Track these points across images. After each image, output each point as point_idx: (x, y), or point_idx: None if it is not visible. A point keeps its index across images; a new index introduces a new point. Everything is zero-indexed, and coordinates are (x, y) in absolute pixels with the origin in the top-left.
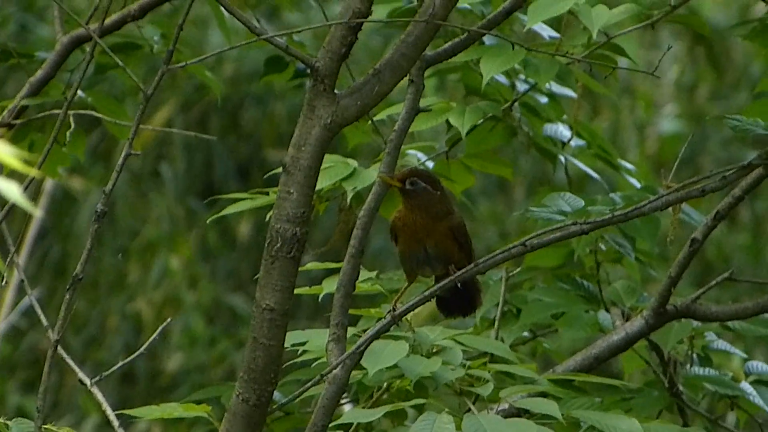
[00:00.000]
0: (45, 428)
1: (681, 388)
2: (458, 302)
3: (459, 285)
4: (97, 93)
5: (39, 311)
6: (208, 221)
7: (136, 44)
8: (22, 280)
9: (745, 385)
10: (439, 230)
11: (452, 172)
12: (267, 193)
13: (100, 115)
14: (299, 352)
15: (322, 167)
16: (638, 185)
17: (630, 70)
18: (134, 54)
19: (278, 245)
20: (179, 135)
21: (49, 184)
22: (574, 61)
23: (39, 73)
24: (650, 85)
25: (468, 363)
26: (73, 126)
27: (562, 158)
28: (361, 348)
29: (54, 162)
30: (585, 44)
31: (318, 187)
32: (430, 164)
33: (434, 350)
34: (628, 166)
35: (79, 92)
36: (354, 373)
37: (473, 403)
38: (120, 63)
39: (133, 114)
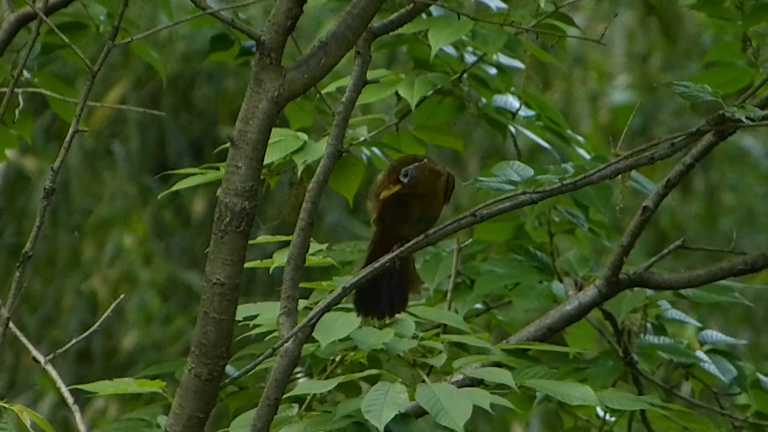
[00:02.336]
0: None
1: (635, 357)
2: (380, 298)
3: (397, 263)
4: (44, 74)
5: None
6: (159, 197)
7: (82, 24)
8: None
9: (701, 354)
10: (437, 194)
11: (403, 145)
12: (218, 168)
13: (47, 92)
14: (251, 325)
15: (272, 141)
16: (588, 156)
17: (578, 38)
18: (81, 34)
19: (227, 219)
20: (133, 114)
21: (0, 165)
22: (523, 31)
23: None
24: (602, 55)
25: (421, 334)
26: (21, 104)
27: (512, 129)
28: (313, 321)
29: (1, 144)
30: (533, 14)
31: (268, 161)
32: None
33: (387, 322)
34: (578, 138)
35: (26, 74)
36: (307, 346)
37: (427, 375)
38: (65, 40)
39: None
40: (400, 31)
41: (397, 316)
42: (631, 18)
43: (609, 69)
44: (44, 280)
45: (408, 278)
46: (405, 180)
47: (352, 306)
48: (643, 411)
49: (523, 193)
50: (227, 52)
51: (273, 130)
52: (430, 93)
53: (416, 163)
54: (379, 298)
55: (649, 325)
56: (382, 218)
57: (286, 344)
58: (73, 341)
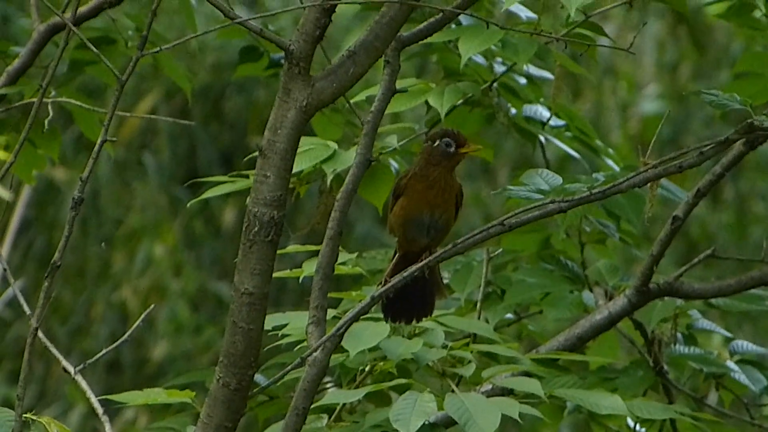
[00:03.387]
0: (26, 417)
1: (666, 367)
2: (409, 303)
3: (426, 272)
4: (69, 90)
5: (21, 300)
6: (189, 204)
7: (111, 38)
8: (5, 270)
9: (730, 364)
10: (452, 197)
11: None
12: (248, 177)
13: (76, 102)
14: (280, 335)
15: (302, 150)
16: (617, 168)
17: (607, 47)
18: (109, 49)
19: (256, 229)
20: (163, 125)
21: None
22: (553, 40)
23: (16, 63)
24: (632, 65)
25: (450, 344)
26: (51, 114)
27: (542, 139)
28: (341, 330)
29: (29, 165)
30: (563, 24)
31: (298, 170)
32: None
33: (416, 332)
34: (608, 149)
35: (53, 92)
36: (336, 355)
37: (457, 385)
38: (94, 50)
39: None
40: (429, 40)
41: (425, 320)
42: (661, 28)
43: (639, 79)
44: (74, 290)
45: (434, 283)
46: (447, 147)
47: (380, 315)
48: (673, 421)
49: (552, 202)
50: (256, 63)
51: (303, 138)
52: (459, 102)
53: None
54: (407, 303)
55: (679, 335)
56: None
57: (314, 353)
58: (103, 351)
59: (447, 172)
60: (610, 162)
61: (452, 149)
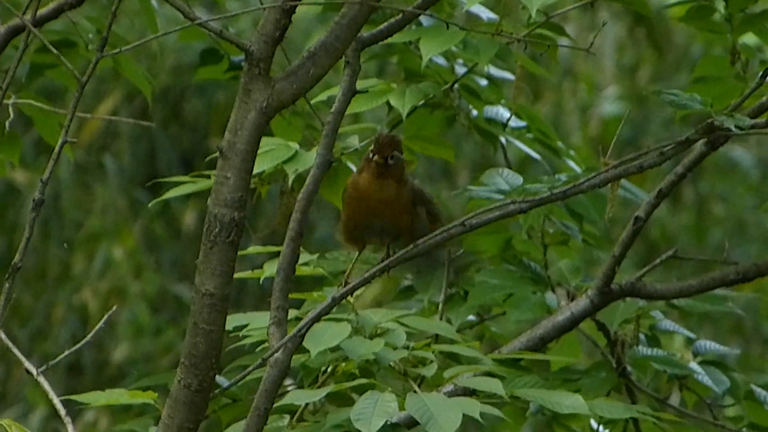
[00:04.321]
0: None
1: (629, 368)
2: None
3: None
4: (29, 93)
5: None
6: (150, 205)
7: (71, 41)
8: None
9: (694, 365)
10: (400, 202)
11: None
12: (209, 177)
13: (37, 104)
14: (240, 335)
15: (263, 150)
16: (578, 169)
17: (567, 47)
18: (70, 52)
19: (216, 230)
20: (124, 127)
21: None
22: (514, 41)
23: None
24: (592, 67)
25: (411, 344)
26: (12, 116)
27: (503, 140)
28: (303, 331)
29: None
30: (525, 24)
31: (260, 170)
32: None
33: (378, 332)
34: (568, 150)
35: (12, 96)
36: (297, 356)
37: (419, 386)
38: (53, 50)
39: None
40: (389, 40)
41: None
42: (620, 29)
43: (599, 81)
44: (35, 293)
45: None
46: (390, 162)
47: (341, 316)
48: (636, 423)
49: (513, 202)
50: (216, 66)
51: (264, 139)
52: (421, 102)
53: (401, 156)
54: None
55: (642, 336)
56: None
57: (275, 354)
58: (66, 353)
59: (374, 179)
60: (571, 163)
61: (372, 156)
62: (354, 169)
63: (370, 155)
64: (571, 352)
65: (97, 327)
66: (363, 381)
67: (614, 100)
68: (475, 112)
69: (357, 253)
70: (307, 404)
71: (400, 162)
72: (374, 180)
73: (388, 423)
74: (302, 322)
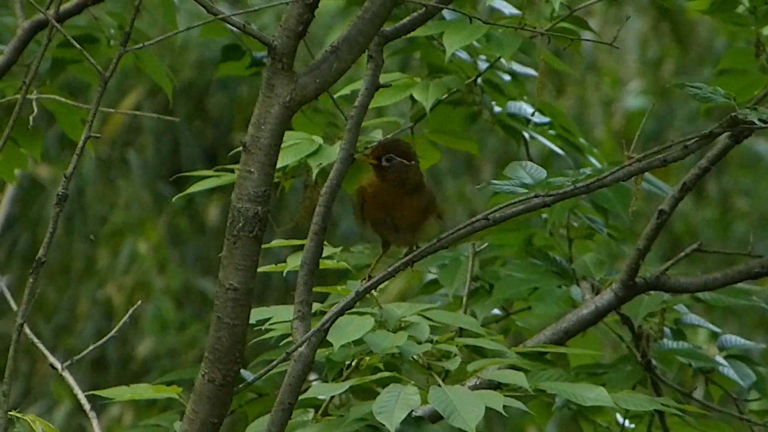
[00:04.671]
0: (11, 415)
1: (654, 362)
2: None
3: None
4: (52, 88)
5: (8, 296)
6: (174, 199)
7: (93, 37)
8: None
9: (719, 359)
10: (411, 205)
11: (417, 149)
12: (232, 171)
13: (60, 99)
14: (263, 329)
15: (287, 144)
16: (599, 166)
17: (590, 41)
18: (92, 48)
19: (240, 224)
20: (147, 122)
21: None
22: (537, 34)
23: (0, 59)
24: (615, 61)
25: (435, 338)
26: (36, 110)
27: (526, 136)
28: (327, 325)
29: (11, 164)
30: (548, 18)
31: (283, 164)
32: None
33: (402, 326)
34: (591, 147)
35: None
36: (321, 350)
37: (443, 380)
38: (76, 45)
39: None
40: (412, 34)
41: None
42: (644, 23)
43: (622, 75)
44: (59, 288)
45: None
46: (385, 164)
47: (365, 309)
48: (662, 417)
49: (536, 196)
50: (238, 62)
51: (288, 133)
52: (445, 96)
53: (404, 159)
54: None
55: (667, 330)
56: (361, 202)
57: (299, 348)
58: (90, 348)
59: (384, 181)
60: (593, 161)
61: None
62: None
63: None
64: (593, 348)
65: (121, 322)
66: (386, 374)
67: (638, 94)
68: (497, 109)
69: (382, 248)
70: (332, 398)
71: (398, 165)
72: (374, 179)
73: (412, 417)
74: (326, 317)
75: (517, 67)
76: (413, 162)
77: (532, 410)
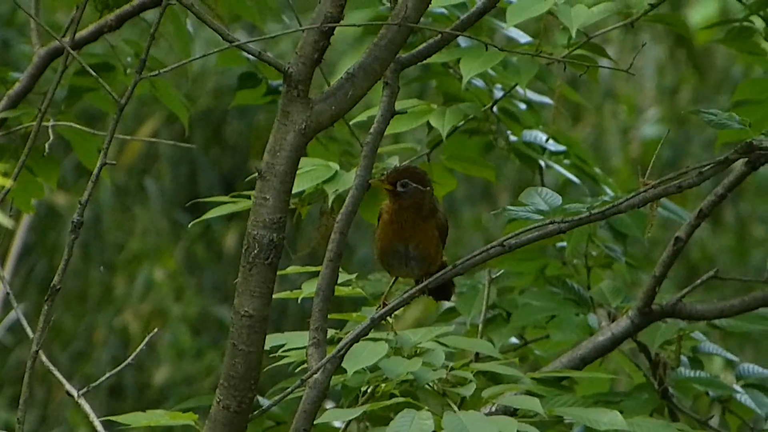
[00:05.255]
0: None
1: (671, 390)
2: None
3: (427, 292)
4: (68, 117)
5: (24, 323)
6: (191, 225)
7: (110, 65)
8: (8, 294)
9: (736, 387)
10: (425, 230)
11: (435, 175)
12: (249, 197)
13: (76, 126)
14: (278, 354)
15: (303, 170)
16: (612, 195)
17: (607, 68)
18: (108, 76)
19: (255, 251)
20: (165, 150)
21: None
22: (554, 61)
23: (17, 86)
24: (633, 89)
25: (450, 364)
26: (51, 137)
27: (542, 164)
28: (342, 352)
29: (28, 193)
30: (564, 45)
31: (299, 190)
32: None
33: (417, 352)
34: (606, 176)
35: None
36: (336, 377)
37: (459, 407)
38: (92, 72)
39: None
40: (428, 61)
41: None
42: (661, 51)
43: (639, 102)
44: (76, 315)
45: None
46: (400, 189)
47: (379, 336)
48: None
49: (552, 223)
50: (254, 90)
51: (304, 160)
52: (461, 124)
53: (419, 185)
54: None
55: (684, 358)
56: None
57: (314, 375)
58: (107, 375)
59: (400, 207)
60: (608, 190)
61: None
62: None
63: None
64: (601, 381)
65: (138, 349)
66: (400, 400)
67: (655, 122)
68: (513, 138)
69: (394, 277)
70: (347, 425)
71: (413, 191)
72: (397, 207)
73: None
74: (341, 344)
75: (533, 96)
76: (428, 188)
77: None
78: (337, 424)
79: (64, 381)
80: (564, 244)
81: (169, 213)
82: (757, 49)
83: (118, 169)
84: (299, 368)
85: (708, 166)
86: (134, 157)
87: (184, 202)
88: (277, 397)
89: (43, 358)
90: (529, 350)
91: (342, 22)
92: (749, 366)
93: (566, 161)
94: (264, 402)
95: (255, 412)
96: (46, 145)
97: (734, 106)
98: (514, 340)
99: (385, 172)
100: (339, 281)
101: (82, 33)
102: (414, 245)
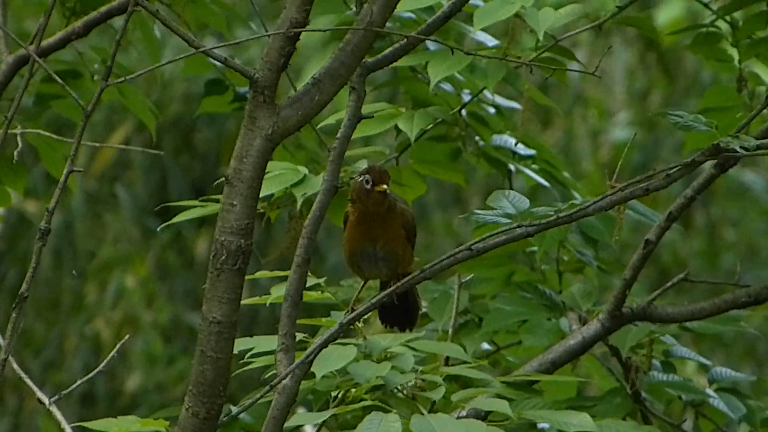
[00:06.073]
0: None
1: (644, 394)
2: (398, 313)
3: (395, 297)
4: (36, 125)
5: None
6: (159, 229)
7: (77, 72)
8: None
9: (709, 391)
10: (392, 227)
11: (404, 179)
12: (218, 201)
13: (44, 133)
14: (246, 360)
15: (272, 174)
16: (581, 200)
17: (575, 72)
18: (75, 83)
19: (223, 257)
20: (135, 157)
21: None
22: (521, 64)
23: None
24: (603, 93)
25: (420, 368)
26: (20, 144)
27: (512, 168)
28: (310, 358)
29: None
30: (532, 48)
31: (268, 193)
32: None
33: (387, 356)
34: (574, 181)
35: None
36: (306, 383)
37: (429, 411)
38: (58, 79)
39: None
40: (395, 65)
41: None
42: (631, 55)
43: (610, 106)
44: (47, 323)
45: (414, 300)
46: (366, 184)
47: (348, 341)
48: None
49: (519, 226)
50: (221, 97)
51: (273, 163)
52: (430, 126)
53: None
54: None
55: (657, 362)
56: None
57: (283, 381)
58: (78, 382)
59: (372, 206)
60: (576, 195)
61: (369, 186)
62: None
63: (367, 185)
64: (570, 384)
65: (109, 356)
66: (368, 404)
67: (625, 126)
68: (482, 143)
69: (363, 280)
70: (319, 429)
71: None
72: (370, 207)
73: None
74: (310, 349)
75: (501, 101)
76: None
77: None
78: (308, 429)
79: (35, 388)
80: (534, 249)
81: (140, 220)
82: (723, 55)
83: (89, 176)
84: (268, 374)
85: (675, 169)
86: (105, 165)
87: (155, 210)
88: (245, 404)
89: (15, 365)
90: (502, 356)
91: (307, 28)
92: (722, 369)
93: (534, 166)
94: (234, 409)
95: (225, 418)
96: (15, 153)
97: (702, 112)
98: (486, 346)
99: (364, 176)
100: (308, 286)
101: (49, 40)
102: (381, 245)
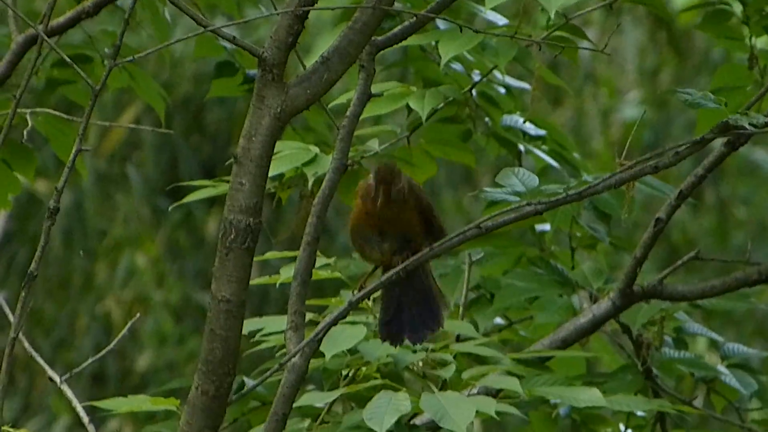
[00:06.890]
0: (5, 430)
1: (655, 371)
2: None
3: (403, 273)
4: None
5: (6, 309)
6: (170, 209)
7: (87, 56)
8: None
9: (721, 368)
10: (403, 219)
11: (414, 158)
12: (228, 181)
13: (53, 112)
14: (255, 339)
15: (283, 154)
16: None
17: (585, 50)
18: (86, 67)
19: (232, 236)
20: (146, 137)
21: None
22: (532, 43)
23: None
24: (613, 72)
25: (430, 346)
26: (30, 123)
27: (522, 148)
28: (319, 335)
29: (5, 189)
30: (544, 27)
31: (279, 173)
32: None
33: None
34: (583, 161)
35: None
36: (315, 361)
37: (440, 389)
38: (66, 59)
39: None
40: (404, 43)
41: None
42: (642, 34)
43: (620, 85)
44: (58, 302)
45: (432, 292)
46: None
47: (358, 318)
48: (663, 427)
49: (528, 204)
50: (231, 79)
51: (284, 143)
52: (441, 106)
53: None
54: (404, 322)
55: (668, 339)
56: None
57: (293, 359)
58: (89, 360)
59: (380, 210)
60: (586, 176)
61: (375, 191)
62: None
63: (371, 180)
64: (579, 362)
65: (120, 335)
66: (378, 382)
67: (636, 105)
68: (491, 124)
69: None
70: (331, 407)
71: (402, 187)
72: (376, 202)
73: (405, 423)
74: (319, 327)
75: (512, 81)
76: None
77: (535, 422)
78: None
79: (46, 366)
80: (542, 227)
81: (151, 200)
82: (734, 33)
83: (100, 156)
84: (279, 352)
85: (684, 147)
86: (116, 145)
87: (165, 189)
88: (254, 383)
89: (26, 343)
90: (514, 332)
91: (316, 6)
92: (734, 345)
93: (544, 147)
94: (249, 382)
95: (234, 396)
96: (24, 132)
97: (713, 92)
98: (499, 320)
99: (373, 180)
100: (317, 265)
101: (59, 20)
102: (392, 230)
